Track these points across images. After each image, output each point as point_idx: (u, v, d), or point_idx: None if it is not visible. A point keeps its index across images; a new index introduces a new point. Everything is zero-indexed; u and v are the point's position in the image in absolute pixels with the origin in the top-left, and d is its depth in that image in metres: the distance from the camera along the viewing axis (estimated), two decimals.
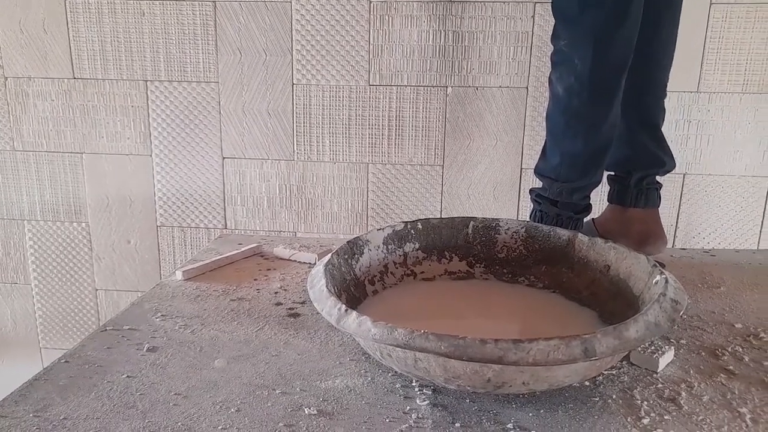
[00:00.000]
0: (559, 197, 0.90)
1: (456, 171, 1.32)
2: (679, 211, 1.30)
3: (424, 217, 1.15)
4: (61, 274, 1.47)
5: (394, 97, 1.30)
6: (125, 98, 1.35)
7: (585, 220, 0.97)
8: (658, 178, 1.00)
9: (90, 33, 1.32)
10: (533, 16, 1.21)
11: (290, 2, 1.27)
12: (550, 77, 0.87)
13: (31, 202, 1.43)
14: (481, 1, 1.22)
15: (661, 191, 1.00)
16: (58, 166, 1.40)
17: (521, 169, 1.30)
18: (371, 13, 1.26)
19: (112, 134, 1.37)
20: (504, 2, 1.21)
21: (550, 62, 0.87)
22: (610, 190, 1.02)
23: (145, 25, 1.31)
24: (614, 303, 0.72)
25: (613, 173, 1.02)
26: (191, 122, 1.36)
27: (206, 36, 1.30)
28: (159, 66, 1.33)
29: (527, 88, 1.26)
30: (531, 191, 0.95)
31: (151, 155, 1.38)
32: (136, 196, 1.41)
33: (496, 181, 1.32)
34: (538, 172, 0.93)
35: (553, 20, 0.87)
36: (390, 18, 1.26)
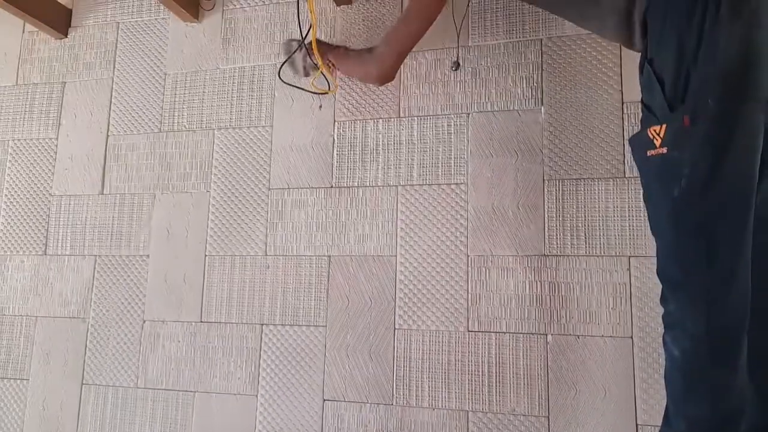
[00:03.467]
0: None
1: (563, 424, 1.25)
2: None
3: None
4: None
5: (493, 344, 1.32)
6: (242, 340, 1.47)
7: None
8: None
9: (221, 282, 1.51)
10: (629, 269, 1.25)
11: (395, 256, 1.41)
12: (663, 338, 0.86)
13: None
14: (574, 256, 1.30)
15: None
16: (171, 405, 1.48)
17: (636, 425, 1.21)
18: (469, 265, 1.36)
19: (225, 374, 1.47)
20: (598, 256, 1.28)
21: (662, 323, 0.87)
22: None
23: (267, 276, 1.49)
24: None
25: None
26: (297, 363, 1.43)
27: (319, 285, 1.45)
28: (275, 311, 1.46)
29: (632, 338, 1.24)
30: None
31: (256, 395, 1.44)
32: None
33: None
34: None
35: (658, 281, 0.89)
36: (487, 269, 1.35)
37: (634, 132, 0.96)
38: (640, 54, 0.96)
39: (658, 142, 0.85)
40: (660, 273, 0.88)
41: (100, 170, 1.64)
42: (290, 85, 1.49)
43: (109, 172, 1.64)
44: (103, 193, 1.63)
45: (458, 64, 1.41)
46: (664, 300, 0.87)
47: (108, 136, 1.66)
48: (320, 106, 1.50)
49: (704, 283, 0.82)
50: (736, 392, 0.80)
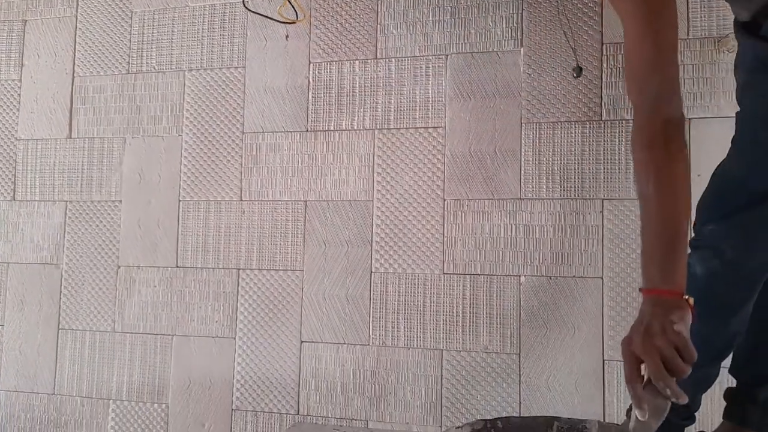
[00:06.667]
0: None
1: (533, 361, 1.29)
2: None
3: (501, 409, 1.11)
4: None
5: (468, 285, 1.34)
6: (219, 285, 1.47)
7: None
8: None
9: (196, 228, 1.50)
10: (602, 212, 1.27)
11: (372, 201, 1.41)
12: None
13: (119, 383, 1.50)
14: (549, 199, 1.31)
15: None
16: (149, 348, 1.49)
17: (603, 360, 1.25)
18: (445, 209, 1.36)
19: (203, 318, 1.47)
20: (572, 199, 1.29)
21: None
22: (728, 405, 0.92)
23: (243, 221, 1.47)
24: None
25: (736, 383, 0.93)
26: (275, 307, 1.44)
27: (296, 230, 1.44)
28: (252, 256, 1.46)
29: (602, 278, 1.27)
30: None
31: (235, 338, 1.45)
32: (216, 379, 1.45)
33: (577, 372, 1.26)
34: None
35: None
36: (463, 213, 1.36)
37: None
38: None
39: None
40: (706, 201, 0.84)
41: (67, 113, 1.59)
42: (256, 13, 1.43)
43: (77, 116, 1.58)
44: (71, 137, 1.58)
45: (581, 70, 1.27)
46: (700, 221, 0.83)
47: (74, 77, 1.59)
48: (287, 36, 1.45)
49: (756, 215, 0.78)
50: (742, 317, 0.82)
